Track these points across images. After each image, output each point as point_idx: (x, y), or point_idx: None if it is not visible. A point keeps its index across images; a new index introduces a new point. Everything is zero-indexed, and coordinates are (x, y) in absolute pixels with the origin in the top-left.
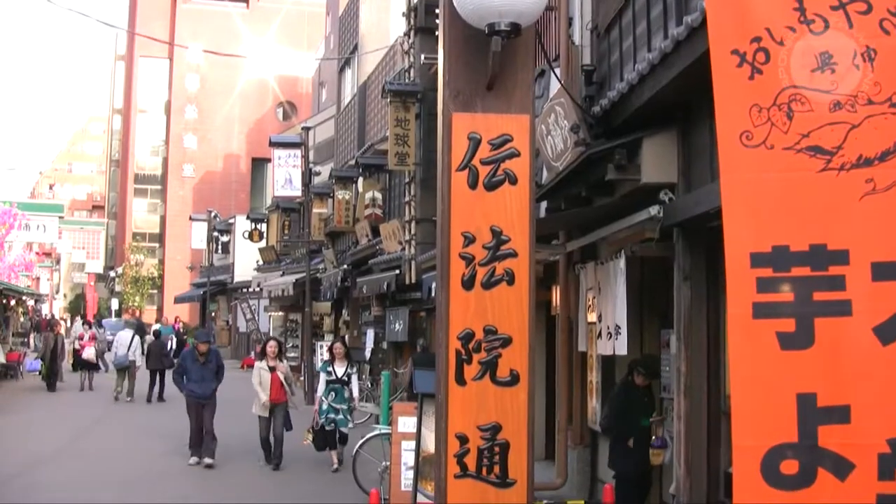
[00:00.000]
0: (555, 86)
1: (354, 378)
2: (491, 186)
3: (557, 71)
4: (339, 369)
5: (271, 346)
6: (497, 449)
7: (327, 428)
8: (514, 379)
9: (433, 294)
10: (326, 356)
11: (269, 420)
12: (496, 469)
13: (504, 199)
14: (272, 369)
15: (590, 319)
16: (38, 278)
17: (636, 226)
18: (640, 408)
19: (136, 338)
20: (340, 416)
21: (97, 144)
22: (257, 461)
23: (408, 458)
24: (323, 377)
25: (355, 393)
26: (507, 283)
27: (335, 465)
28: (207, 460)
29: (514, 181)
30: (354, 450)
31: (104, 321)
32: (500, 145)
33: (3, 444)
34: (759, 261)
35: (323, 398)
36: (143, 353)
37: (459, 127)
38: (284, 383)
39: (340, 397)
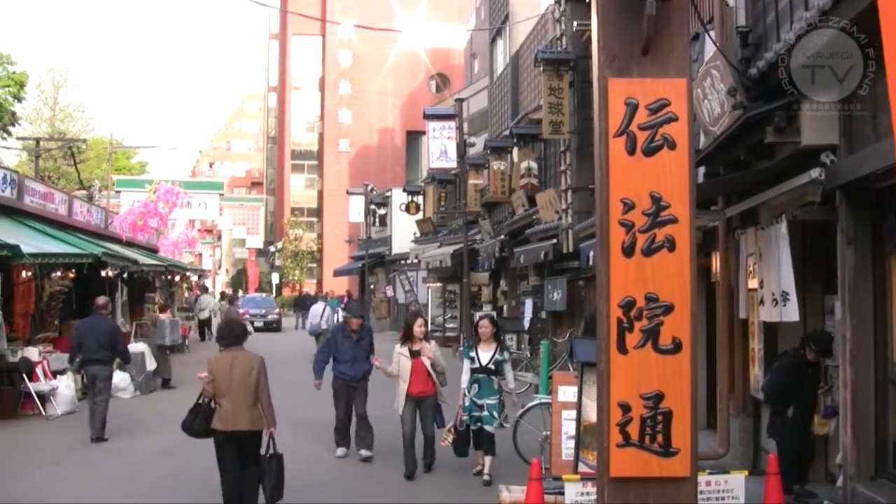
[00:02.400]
0: (709, 49)
1: (507, 366)
2: (649, 152)
3: (712, 33)
4: (485, 354)
5: (419, 325)
6: (660, 418)
7: (473, 428)
8: (676, 347)
9: (591, 262)
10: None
11: (413, 417)
12: (659, 438)
13: (663, 164)
14: (414, 354)
15: (751, 286)
16: (200, 254)
17: (797, 189)
18: (806, 381)
19: (328, 309)
20: (485, 413)
21: (254, 122)
22: (400, 469)
23: (568, 427)
24: (466, 364)
25: (510, 383)
26: (667, 250)
27: (480, 468)
28: (365, 452)
29: (672, 146)
30: (515, 419)
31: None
32: (657, 110)
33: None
34: None
35: (466, 391)
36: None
37: (616, 93)
38: (432, 371)
39: (487, 390)
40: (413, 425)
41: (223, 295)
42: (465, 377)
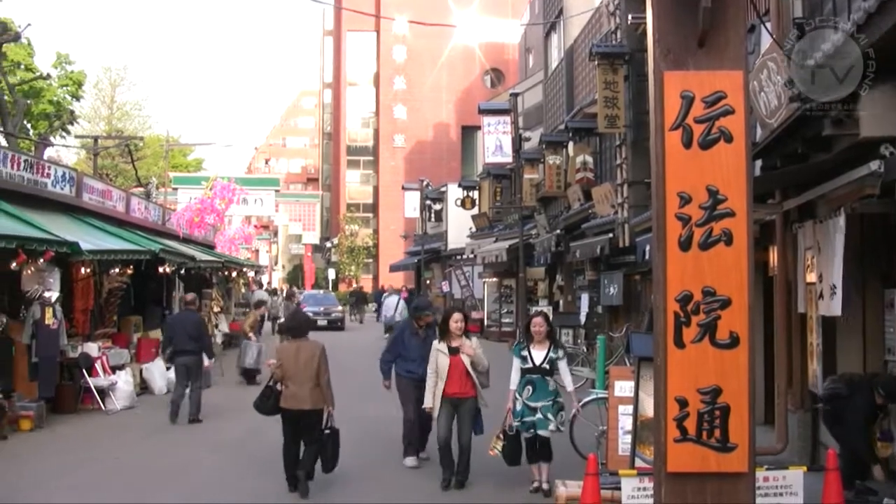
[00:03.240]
0: (766, 41)
1: (563, 364)
2: (706, 145)
3: (768, 25)
4: (538, 354)
5: (456, 321)
6: (717, 412)
7: (524, 435)
8: (733, 341)
9: (647, 257)
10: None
11: (449, 420)
12: (717, 433)
13: (720, 157)
14: (453, 351)
15: (809, 280)
16: (257, 250)
17: (856, 182)
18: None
19: (402, 302)
20: (539, 417)
21: (309, 119)
22: (439, 479)
23: (625, 422)
24: (516, 363)
25: (567, 384)
26: (724, 244)
27: (537, 485)
28: (410, 462)
29: (729, 139)
30: (571, 414)
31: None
32: (713, 103)
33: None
34: None
35: (517, 394)
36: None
37: (671, 86)
38: (471, 371)
39: (541, 393)
40: (449, 430)
41: (274, 290)
42: (515, 377)
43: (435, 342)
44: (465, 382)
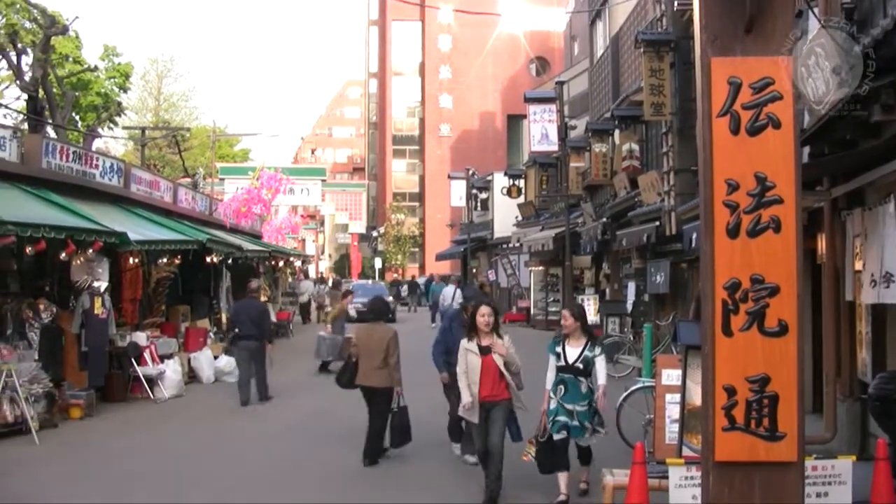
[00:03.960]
0: (813, 26)
1: (601, 362)
2: (754, 131)
3: (816, 10)
4: (573, 350)
5: (483, 316)
6: (766, 401)
7: (556, 438)
8: (782, 329)
9: (694, 244)
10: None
11: (484, 427)
12: (765, 422)
13: (768, 144)
14: (484, 350)
15: (857, 268)
16: (303, 240)
17: None
18: None
19: (458, 291)
20: (574, 422)
21: (355, 108)
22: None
23: (672, 411)
24: (551, 361)
25: (600, 377)
26: (773, 231)
27: (562, 497)
28: (471, 459)
29: (777, 125)
30: (618, 402)
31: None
32: (761, 89)
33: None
34: None
35: (551, 393)
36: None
37: (719, 72)
38: (505, 372)
39: (575, 393)
40: (485, 438)
41: (320, 279)
42: (550, 377)
43: (463, 341)
44: (497, 384)
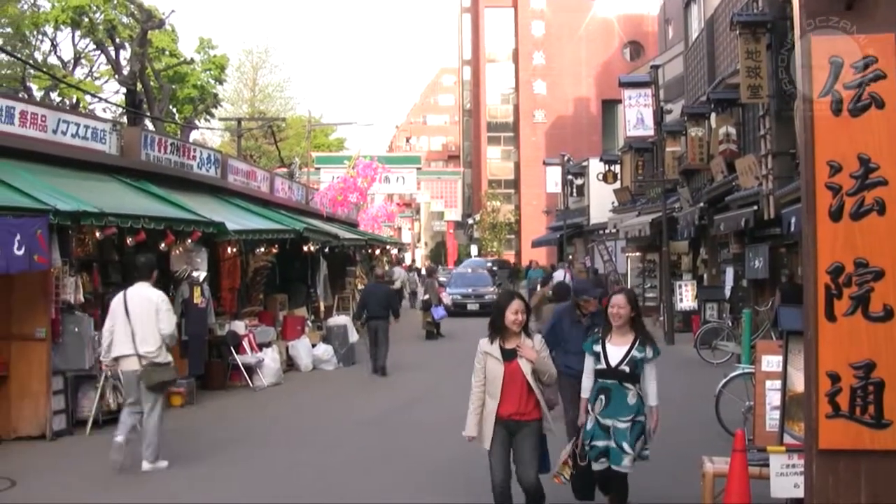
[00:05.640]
0: None
1: (651, 371)
2: (856, 112)
3: None
4: (616, 350)
5: (514, 311)
6: (871, 388)
7: (595, 468)
8: (887, 314)
9: (794, 228)
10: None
11: (506, 454)
12: (870, 409)
13: (871, 124)
14: (509, 355)
15: None
16: (399, 228)
17: None
18: None
19: (567, 275)
20: (612, 444)
21: (449, 96)
22: None
23: (772, 397)
24: (588, 363)
25: (650, 395)
26: (877, 213)
27: None
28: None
29: (880, 105)
30: (717, 389)
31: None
32: (863, 68)
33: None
34: None
35: (589, 406)
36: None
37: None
38: (534, 383)
39: (618, 405)
40: (507, 467)
41: (411, 267)
42: (587, 383)
43: (482, 342)
44: (525, 399)
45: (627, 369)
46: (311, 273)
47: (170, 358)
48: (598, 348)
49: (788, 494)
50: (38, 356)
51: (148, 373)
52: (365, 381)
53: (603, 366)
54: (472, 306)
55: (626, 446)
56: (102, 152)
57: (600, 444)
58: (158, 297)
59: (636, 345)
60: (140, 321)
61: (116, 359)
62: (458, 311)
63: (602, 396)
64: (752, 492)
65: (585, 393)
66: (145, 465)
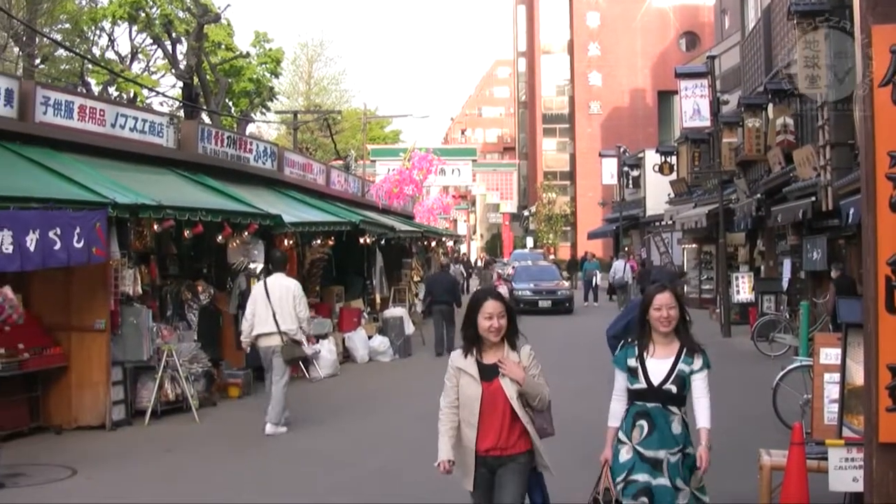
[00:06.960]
0: None
1: (701, 382)
2: None
3: None
4: (658, 364)
5: (489, 316)
6: None
7: None
8: None
9: (853, 220)
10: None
11: (484, 496)
12: None
13: None
14: (488, 373)
15: None
16: (455, 220)
17: None
18: None
19: (627, 265)
20: (663, 481)
21: (504, 88)
22: None
23: (830, 390)
24: (618, 380)
25: (702, 417)
26: None
27: None
28: None
29: None
30: (775, 382)
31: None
32: None
33: None
34: None
35: (622, 435)
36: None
37: (880, 40)
38: (520, 409)
39: (663, 435)
40: None
41: (455, 259)
42: (617, 407)
43: (454, 355)
44: (508, 429)
45: (674, 388)
46: (367, 265)
47: (304, 338)
48: (633, 363)
49: (847, 488)
50: (97, 347)
51: (289, 348)
52: (422, 372)
53: (642, 385)
54: (544, 303)
55: (679, 483)
56: (160, 146)
57: (641, 479)
58: (295, 285)
59: (682, 356)
60: (280, 304)
61: (258, 336)
62: (529, 308)
63: (643, 423)
64: (810, 485)
65: (614, 421)
66: (268, 429)
